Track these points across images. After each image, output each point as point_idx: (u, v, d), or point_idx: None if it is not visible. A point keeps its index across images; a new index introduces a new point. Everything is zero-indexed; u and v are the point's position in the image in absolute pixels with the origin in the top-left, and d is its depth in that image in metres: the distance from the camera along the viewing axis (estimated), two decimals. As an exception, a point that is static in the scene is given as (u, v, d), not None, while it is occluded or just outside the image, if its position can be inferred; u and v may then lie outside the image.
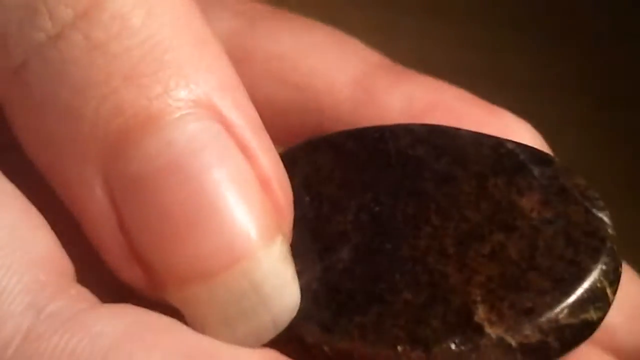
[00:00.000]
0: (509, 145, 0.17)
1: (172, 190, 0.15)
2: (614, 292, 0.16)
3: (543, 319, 0.15)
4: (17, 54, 0.15)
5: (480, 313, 0.15)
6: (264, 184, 0.15)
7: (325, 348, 0.16)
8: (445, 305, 0.16)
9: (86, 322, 0.14)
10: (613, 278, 0.16)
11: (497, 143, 0.18)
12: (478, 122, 0.18)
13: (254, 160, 0.15)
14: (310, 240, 0.17)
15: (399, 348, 0.15)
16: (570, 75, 0.20)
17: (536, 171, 0.17)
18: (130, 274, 0.15)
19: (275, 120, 0.19)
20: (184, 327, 0.15)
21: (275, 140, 0.20)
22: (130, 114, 0.15)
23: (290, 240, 0.16)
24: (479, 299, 0.16)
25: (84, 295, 0.15)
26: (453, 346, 0.15)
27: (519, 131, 0.19)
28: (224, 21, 0.20)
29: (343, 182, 0.18)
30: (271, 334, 0.16)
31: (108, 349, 0.14)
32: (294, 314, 0.16)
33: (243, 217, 0.15)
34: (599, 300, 0.16)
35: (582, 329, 0.16)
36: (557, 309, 0.15)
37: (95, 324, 0.14)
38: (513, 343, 0.15)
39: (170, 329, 0.15)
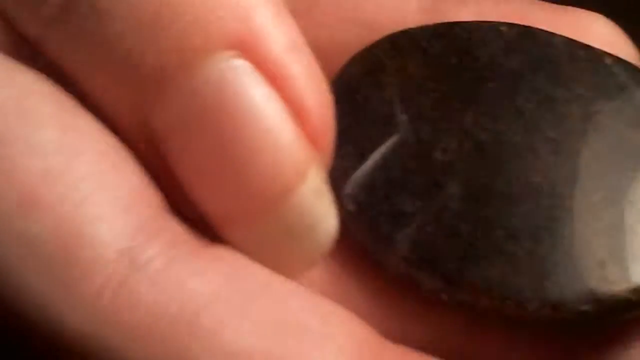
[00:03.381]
0: (607, 61, 0.17)
1: (201, 137, 0.15)
2: None
3: None
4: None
5: (604, 270, 0.15)
6: (298, 112, 0.15)
7: (444, 296, 0.16)
8: (569, 259, 0.16)
9: (180, 277, 0.14)
10: None
11: (595, 57, 0.17)
12: (551, 23, 0.18)
13: (288, 90, 0.15)
14: (416, 172, 0.17)
15: (529, 307, 0.15)
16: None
17: None
18: (188, 213, 0.16)
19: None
20: (280, 283, 0.15)
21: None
22: (154, 69, 0.15)
23: (328, 167, 0.16)
24: (600, 253, 0.16)
25: (178, 236, 0.15)
26: (581, 306, 0.15)
27: (594, 26, 0.18)
28: None
29: (439, 97, 0.17)
30: (309, 267, 0.16)
31: (200, 311, 0.14)
32: (332, 243, 0.16)
33: (272, 159, 0.15)
34: None
35: None
36: None
37: (189, 280, 0.14)
38: (634, 298, 0.15)
39: (264, 289, 0.15)
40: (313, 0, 0.19)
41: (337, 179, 0.17)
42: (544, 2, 0.19)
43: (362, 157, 0.17)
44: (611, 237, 0.16)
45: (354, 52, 0.19)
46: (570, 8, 0.19)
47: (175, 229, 0.15)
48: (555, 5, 0.19)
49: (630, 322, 0.16)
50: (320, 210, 0.16)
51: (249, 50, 0.15)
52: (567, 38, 0.18)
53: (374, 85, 0.18)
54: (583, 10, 0.19)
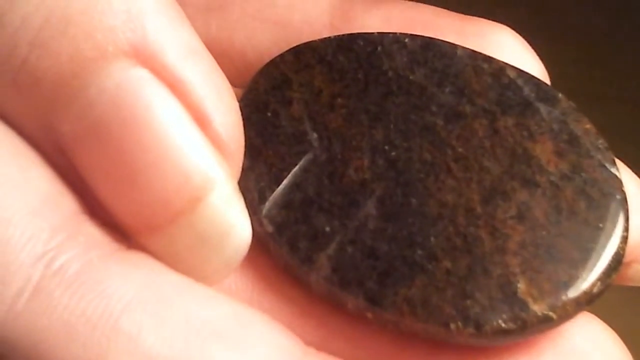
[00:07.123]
0: (510, 74, 0.18)
1: (103, 147, 0.14)
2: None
3: (580, 293, 0.16)
4: None
5: (522, 287, 0.16)
6: (200, 119, 0.15)
7: (369, 315, 0.16)
8: (487, 277, 0.16)
9: (97, 281, 0.14)
10: (626, 241, 0.16)
11: (498, 70, 0.18)
12: (457, 33, 0.18)
13: (187, 97, 0.15)
14: (330, 191, 0.17)
15: (452, 326, 0.15)
16: (567, 75, 0.20)
17: (543, 111, 0.17)
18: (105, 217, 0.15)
19: (259, 59, 0.19)
20: (199, 289, 0.15)
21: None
22: (48, 81, 0.14)
23: (238, 174, 0.16)
24: (517, 270, 0.16)
25: (93, 239, 0.15)
26: (503, 324, 0.15)
27: (500, 38, 0.18)
28: None
29: (348, 113, 0.17)
30: (224, 276, 0.16)
31: (119, 316, 0.14)
32: (246, 251, 0.16)
33: (176, 168, 0.14)
34: (619, 264, 0.16)
35: (604, 292, 0.16)
36: (591, 282, 0.16)
37: (106, 284, 0.14)
38: (555, 317, 0.16)
39: (182, 295, 0.15)
40: None
41: (253, 199, 0.17)
42: (450, 11, 0.19)
43: (278, 177, 0.17)
44: (525, 254, 0.16)
45: (268, 52, 0.19)
46: (477, 19, 0.19)
47: (90, 232, 0.15)
48: (462, 15, 0.19)
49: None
50: (231, 218, 0.15)
51: (145, 58, 0.15)
52: (470, 50, 0.18)
53: (281, 101, 0.18)
54: (490, 22, 0.19)
